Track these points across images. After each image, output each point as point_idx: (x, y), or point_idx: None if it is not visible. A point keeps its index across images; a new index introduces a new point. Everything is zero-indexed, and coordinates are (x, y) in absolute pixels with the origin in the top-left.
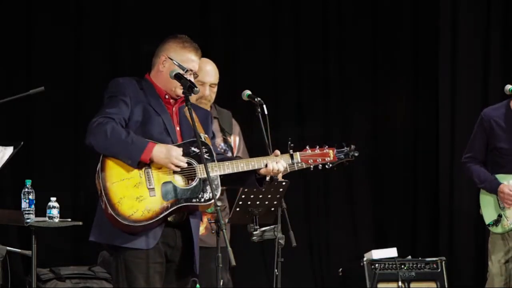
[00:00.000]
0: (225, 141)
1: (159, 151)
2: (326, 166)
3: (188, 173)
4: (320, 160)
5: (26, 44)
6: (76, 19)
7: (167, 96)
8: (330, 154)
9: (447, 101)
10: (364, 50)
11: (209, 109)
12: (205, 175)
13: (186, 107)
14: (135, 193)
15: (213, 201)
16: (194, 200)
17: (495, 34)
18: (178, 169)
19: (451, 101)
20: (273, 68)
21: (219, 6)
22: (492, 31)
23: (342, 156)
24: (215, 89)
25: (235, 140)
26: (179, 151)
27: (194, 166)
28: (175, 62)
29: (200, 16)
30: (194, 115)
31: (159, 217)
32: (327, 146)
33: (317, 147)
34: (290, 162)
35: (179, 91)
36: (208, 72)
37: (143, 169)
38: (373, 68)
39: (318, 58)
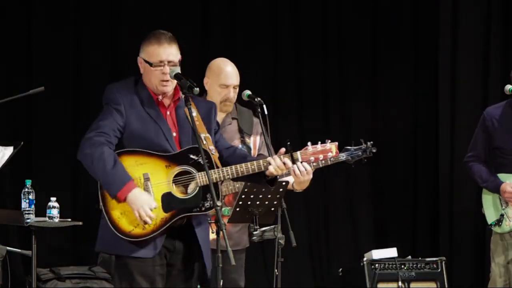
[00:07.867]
0: (243, 143)
1: (134, 196)
2: (329, 162)
3: (186, 182)
4: (322, 157)
5: (26, 44)
6: (76, 19)
7: (160, 98)
8: (333, 149)
9: (447, 101)
10: (364, 51)
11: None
12: (204, 183)
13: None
14: None
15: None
16: (194, 210)
17: (495, 33)
18: (141, 222)
19: (451, 101)
20: (273, 68)
21: (220, 5)
22: (492, 30)
23: (360, 153)
24: (237, 90)
25: (255, 140)
26: (152, 205)
27: (193, 174)
28: (144, 60)
29: (201, 16)
30: (196, 112)
31: (160, 230)
32: (329, 141)
33: (319, 143)
34: (291, 163)
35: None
36: (229, 74)
37: (143, 182)
38: (373, 69)
39: (318, 58)
